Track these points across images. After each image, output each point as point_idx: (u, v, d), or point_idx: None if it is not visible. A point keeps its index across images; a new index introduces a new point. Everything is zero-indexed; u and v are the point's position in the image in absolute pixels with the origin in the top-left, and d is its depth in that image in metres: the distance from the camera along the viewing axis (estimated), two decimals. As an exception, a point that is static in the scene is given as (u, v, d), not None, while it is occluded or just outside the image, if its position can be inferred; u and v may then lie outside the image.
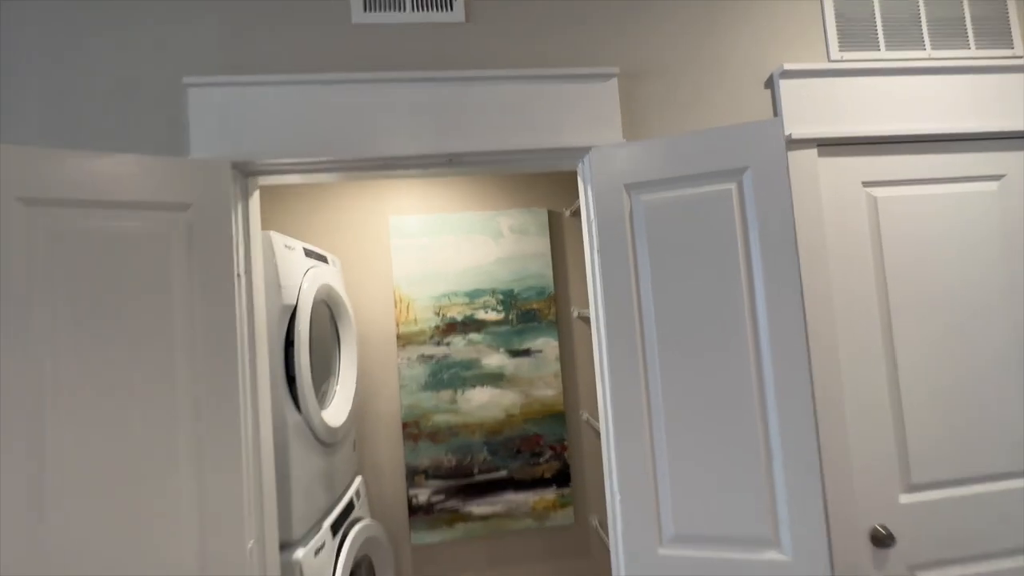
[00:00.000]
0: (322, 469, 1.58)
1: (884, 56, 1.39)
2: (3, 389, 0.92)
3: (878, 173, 1.37)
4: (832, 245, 1.34)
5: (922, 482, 1.31)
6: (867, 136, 1.34)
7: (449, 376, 2.13)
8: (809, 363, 1.30)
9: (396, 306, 2.13)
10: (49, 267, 0.97)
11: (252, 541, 1.11)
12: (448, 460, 2.10)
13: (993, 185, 1.39)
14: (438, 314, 2.15)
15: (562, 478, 2.14)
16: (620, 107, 1.31)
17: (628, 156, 1.21)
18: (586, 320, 2.23)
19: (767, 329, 1.12)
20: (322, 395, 1.70)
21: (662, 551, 1.15)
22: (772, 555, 1.10)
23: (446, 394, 2.12)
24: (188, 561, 1.02)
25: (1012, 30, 1.44)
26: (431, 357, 2.13)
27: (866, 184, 1.37)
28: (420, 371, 2.12)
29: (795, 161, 1.33)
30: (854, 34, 1.39)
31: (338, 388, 1.83)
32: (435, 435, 2.10)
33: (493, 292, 2.18)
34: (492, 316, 2.17)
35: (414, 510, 2.07)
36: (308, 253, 1.65)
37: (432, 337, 2.14)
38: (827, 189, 1.35)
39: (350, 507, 1.71)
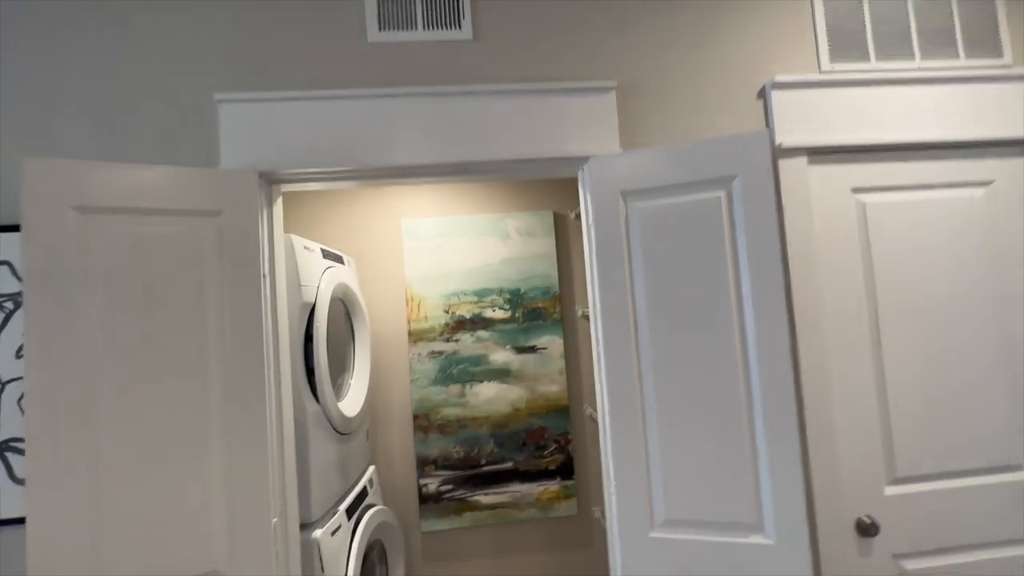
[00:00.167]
0: (338, 456, 1.68)
1: (874, 67, 1.44)
2: (66, 376, 1.04)
3: (867, 180, 1.43)
4: (822, 248, 1.41)
5: (906, 475, 1.38)
6: (856, 145, 1.40)
7: (458, 371, 2.23)
8: (793, 363, 1.37)
9: (408, 304, 2.23)
10: (100, 268, 1.08)
11: (276, 518, 1.22)
12: (457, 451, 2.20)
13: (980, 191, 1.44)
14: (448, 312, 2.24)
15: (566, 470, 2.23)
16: (618, 118, 1.39)
17: (624, 165, 1.29)
18: (589, 319, 2.30)
19: (753, 328, 1.19)
20: (338, 387, 1.81)
21: (654, 534, 1.24)
22: (756, 539, 1.17)
23: (455, 388, 2.22)
24: (219, 532, 1.13)
25: (1001, 39, 1.48)
26: (441, 353, 2.23)
27: (855, 190, 1.43)
28: (430, 366, 2.22)
29: (785, 169, 1.39)
30: (845, 45, 1.45)
31: (353, 381, 1.94)
32: (444, 427, 2.20)
33: (500, 291, 2.27)
34: (499, 314, 2.26)
35: (424, 498, 2.17)
36: (326, 254, 1.76)
37: (442, 334, 2.23)
38: (817, 195, 1.42)
39: (364, 493, 1.81)
